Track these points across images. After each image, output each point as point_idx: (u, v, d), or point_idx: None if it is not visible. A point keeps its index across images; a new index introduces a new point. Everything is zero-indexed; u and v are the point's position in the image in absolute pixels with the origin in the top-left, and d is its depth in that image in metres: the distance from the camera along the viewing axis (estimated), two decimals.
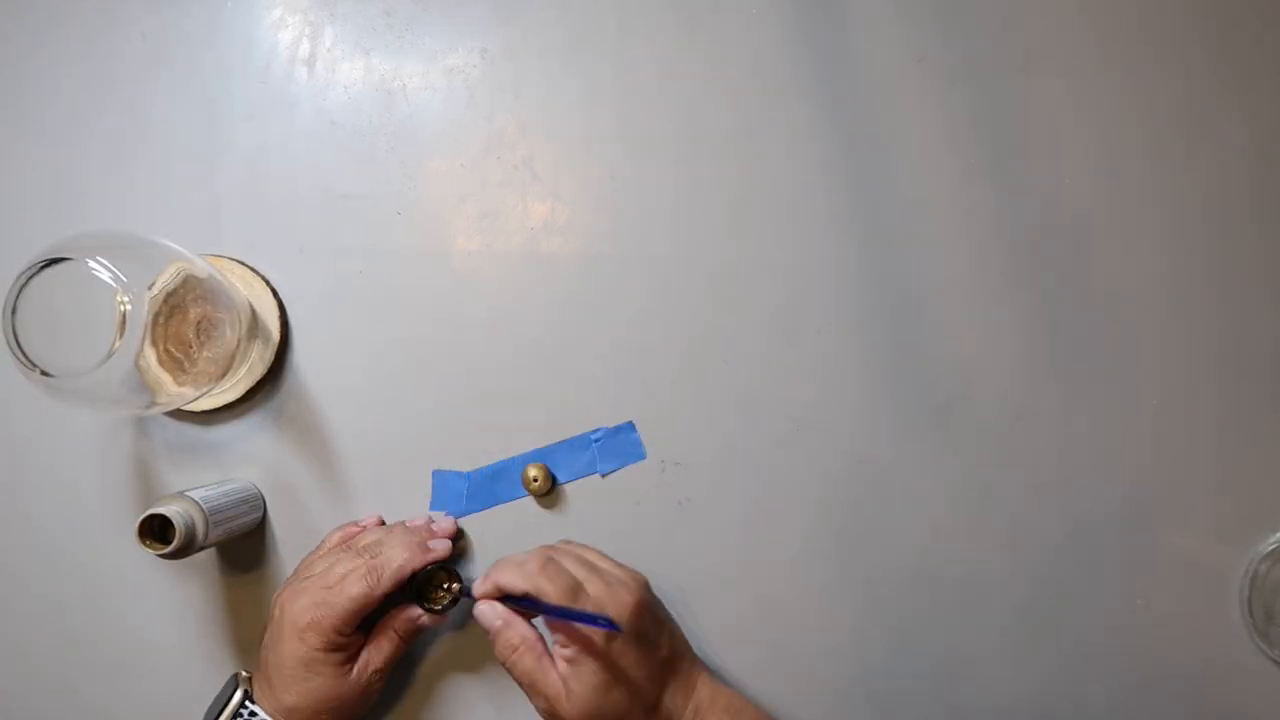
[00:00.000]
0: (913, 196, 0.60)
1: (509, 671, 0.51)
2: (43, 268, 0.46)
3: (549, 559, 0.51)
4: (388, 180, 0.62)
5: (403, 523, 0.59)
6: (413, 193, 0.62)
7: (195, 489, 0.55)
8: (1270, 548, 0.57)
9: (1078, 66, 0.60)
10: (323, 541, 0.58)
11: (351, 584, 0.52)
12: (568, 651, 0.49)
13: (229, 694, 0.54)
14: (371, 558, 0.53)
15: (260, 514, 0.61)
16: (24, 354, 0.46)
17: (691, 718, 0.50)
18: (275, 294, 0.61)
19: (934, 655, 0.59)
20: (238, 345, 0.54)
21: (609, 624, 0.47)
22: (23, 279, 0.46)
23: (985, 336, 0.60)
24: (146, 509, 0.51)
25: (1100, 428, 0.59)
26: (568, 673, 0.49)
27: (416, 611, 0.55)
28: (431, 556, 0.55)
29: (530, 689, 0.50)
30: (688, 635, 0.59)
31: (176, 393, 0.51)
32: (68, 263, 0.46)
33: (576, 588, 0.50)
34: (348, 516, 0.61)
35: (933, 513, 0.59)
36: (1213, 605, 0.58)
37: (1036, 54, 0.60)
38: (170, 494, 0.54)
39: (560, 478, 0.60)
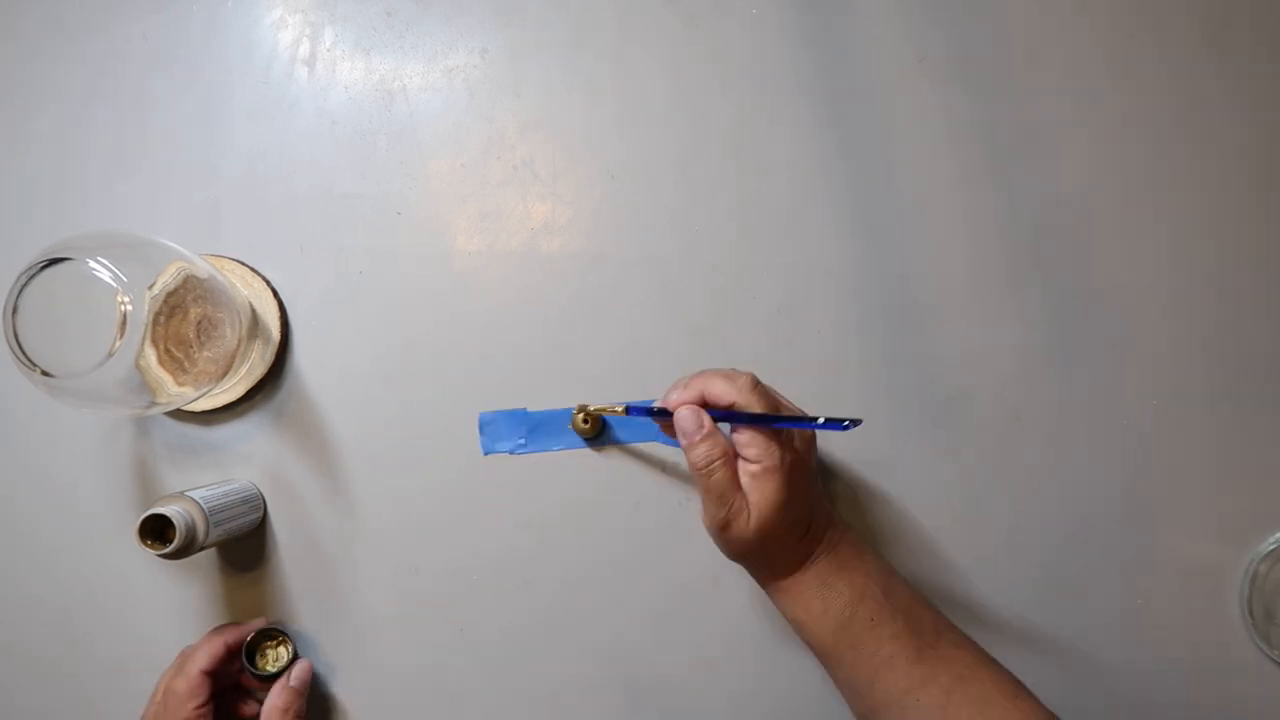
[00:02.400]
0: (913, 196, 0.60)
1: (700, 480, 0.50)
2: (43, 268, 0.46)
3: (757, 382, 0.51)
4: (388, 180, 0.62)
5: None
6: (413, 193, 0.62)
7: (195, 489, 0.55)
8: (1270, 548, 0.57)
9: (1078, 66, 0.60)
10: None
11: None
12: (754, 467, 0.49)
13: None
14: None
15: (260, 514, 0.61)
16: (24, 354, 0.46)
17: (828, 548, 0.51)
18: (275, 294, 0.61)
19: None
20: (238, 345, 0.54)
21: (851, 423, 0.48)
22: (23, 279, 0.46)
23: (985, 336, 0.60)
24: (146, 509, 0.51)
25: (1100, 428, 0.59)
26: (749, 486, 0.49)
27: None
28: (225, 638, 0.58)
29: (718, 500, 0.49)
30: (687, 634, 0.60)
31: (176, 393, 0.51)
32: (68, 263, 0.46)
33: (778, 408, 0.51)
34: (348, 516, 0.61)
35: (933, 513, 0.59)
36: (1213, 605, 0.58)
37: (1036, 54, 0.60)
38: (170, 494, 0.54)
39: (618, 432, 0.60)
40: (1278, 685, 0.58)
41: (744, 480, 0.49)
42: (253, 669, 0.57)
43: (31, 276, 0.46)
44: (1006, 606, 0.59)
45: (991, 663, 0.50)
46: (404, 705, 0.61)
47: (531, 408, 0.60)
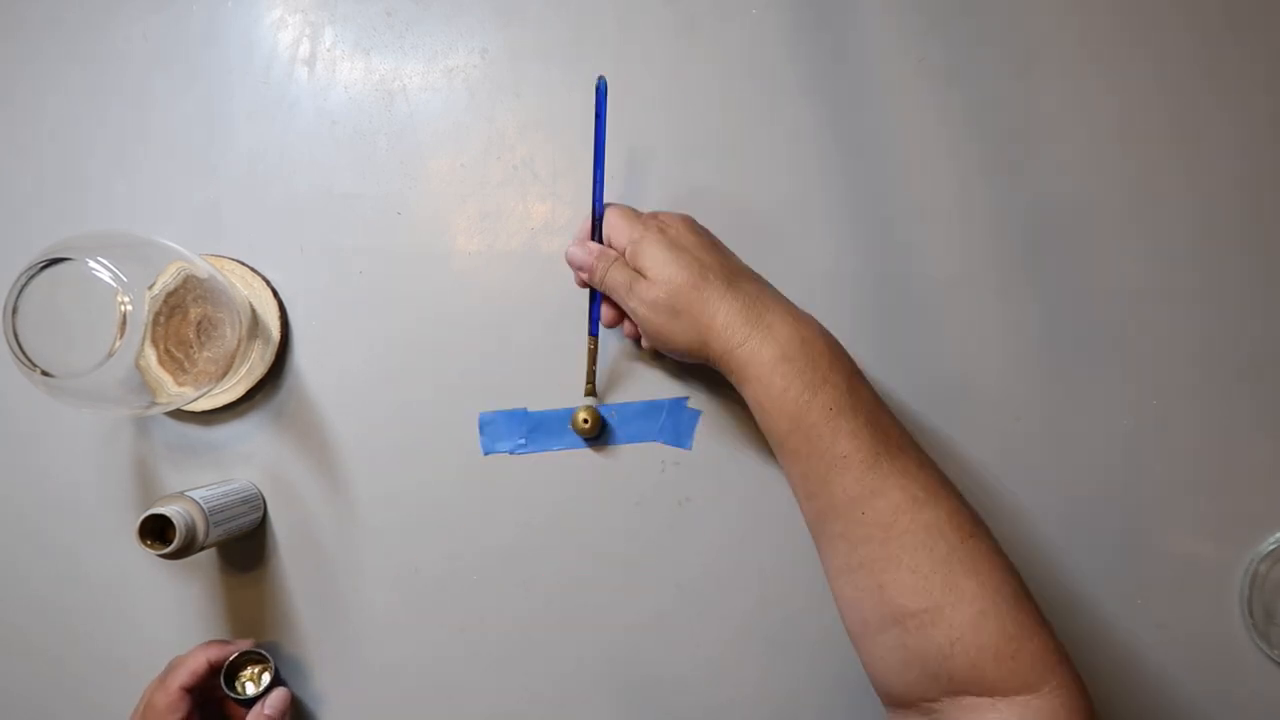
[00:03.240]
0: (912, 196, 0.60)
1: (607, 287, 0.54)
2: (43, 268, 0.46)
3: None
4: (388, 180, 0.62)
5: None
6: (413, 193, 0.62)
7: (195, 489, 0.55)
8: (1270, 548, 0.57)
9: (1078, 67, 0.60)
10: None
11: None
12: (632, 247, 0.52)
13: None
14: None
15: (260, 514, 0.61)
16: (24, 354, 0.46)
17: (786, 319, 0.49)
18: (275, 294, 0.61)
19: None
20: (238, 345, 0.54)
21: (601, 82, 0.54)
22: (23, 279, 0.46)
23: (984, 336, 0.60)
24: (146, 509, 0.51)
25: (1100, 427, 0.59)
26: (634, 259, 0.52)
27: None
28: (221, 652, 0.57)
29: (627, 290, 0.52)
30: (688, 634, 0.59)
31: (176, 393, 0.51)
32: (68, 263, 0.46)
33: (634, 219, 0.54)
34: (348, 516, 0.61)
35: None
36: (1213, 605, 0.58)
37: (1036, 54, 0.60)
38: (170, 494, 0.54)
39: (620, 432, 0.61)
40: (1278, 685, 0.58)
41: (632, 264, 0.53)
42: (229, 691, 0.57)
43: (31, 276, 0.46)
44: None
45: (953, 493, 0.47)
46: (404, 705, 0.61)
47: (531, 408, 0.60)
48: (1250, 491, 0.59)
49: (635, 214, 0.55)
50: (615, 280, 0.53)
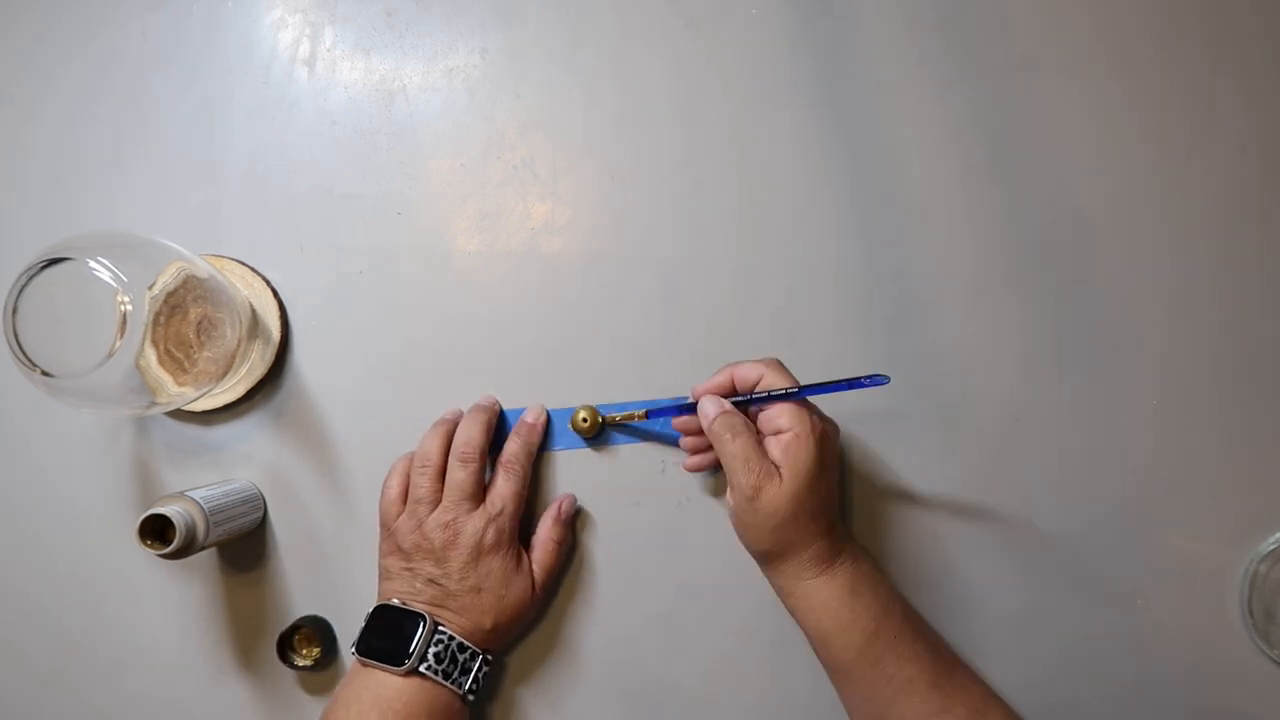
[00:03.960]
0: (913, 197, 0.60)
1: (724, 451, 0.50)
2: (43, 268, 0.46)
3: (782, 365, 0.53)
4: (388, 180, 0.62)
5: (447, 419, 0.59)
6: (413, 193, 0.62)
7: (195, 489, 0.55)
8: (1270, 548, 0.57)
9: (1078, 66, 0.60)
10: (387, 489, 0.58)
11: (507, 485, 0.56)
12: (787, 435, 0.49)
13: (412, 625, 0.53)
14: (472, 460, 0.56)
15: (260, 514, 0.61)
16: (24, 354, 0.46)
17: (853, 558, 0.51)
18: (275, 294, 0.61)
19: None
20: (238, 345, 0.54)
21: (882, 379, 0.49)
22: (23, 279, 0.46)
23: (985, 336, 0.60)
24: (146, 509, 0.51)
25: (1100, 428, 0.59)
26: (782, 457, 0.49)
27: (550, 526, 0.58)
28: (529, 424, 0.59)
29: (744, 465, 0.49)
30: (688, 634, 0.59)
31: (176, 393, 0.51)
32: (68, 263, 0.46)
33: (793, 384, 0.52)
34: (348, 516, 0.61)
35: (933, 513, 0.59)
36: (1213, 605, 0.58)
37: (1036, 54, 0.60)
38: (170, 494, 0.54)
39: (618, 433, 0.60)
40: (1278, 685, 0.58)
41: (776, 452, 0.49)
42: (282, 658, 0.59)
43: (31, 276, 0.46)
44: (1006, 606, 0.59)
45: (1002, 702, 0.52)
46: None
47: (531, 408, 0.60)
48: (1250, 491, 0.59)
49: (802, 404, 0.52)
50: (740, 449, 0.49)
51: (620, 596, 0.60)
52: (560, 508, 0.59)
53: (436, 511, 0.55)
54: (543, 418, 0.60)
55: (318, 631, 0.59)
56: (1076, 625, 0.59)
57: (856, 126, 0.60)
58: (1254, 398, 0.59)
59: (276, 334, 0.60)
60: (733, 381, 0.53)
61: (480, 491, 0.56)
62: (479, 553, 0.54)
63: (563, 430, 0.60)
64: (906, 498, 0.59)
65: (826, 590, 0.50)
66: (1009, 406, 0.59)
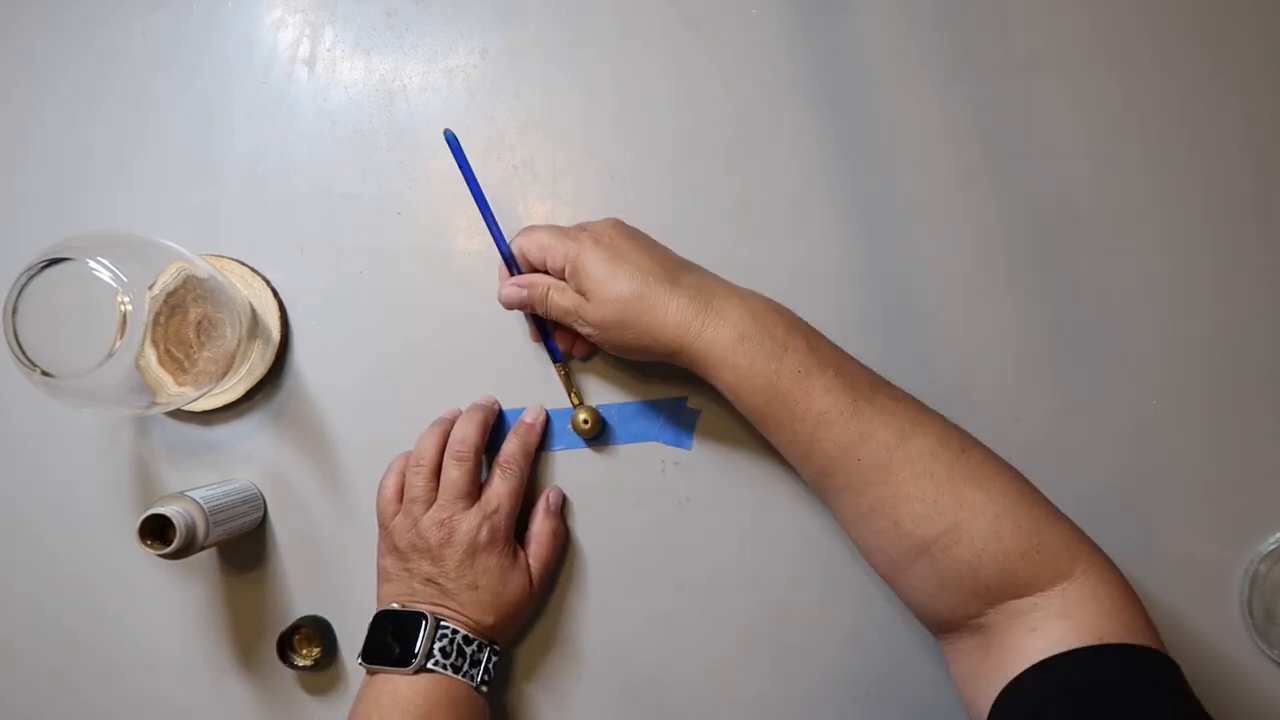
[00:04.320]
0: (913, 196, 0.60)
1: (553, 317, 0.54)
2: (43, 268, 0.46)
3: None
4: (388, 180, 0.62)
5: (445, 418, 0.60)
6: (413, 193, 0.62)
7: (195, 489, 0.55)
8: (1270, 548, 0.57)
9: (1078, 66, 0.60)
10: (383, 488, 0.58)
11: (502, 484, 0.56)
12: (567, 269, 0.52)
13: (414, 625, 0.53)
14: (466, 459, 0.56)
15: (260, 514, 0.61)
16: (24, 354, 0.46)
17: (731, 300, 0.51)
18: (275, 294, 0.61)
19: (934, 655, 0.59)
20: (238, 345, 0.54)
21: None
22: (23, 279, 0.46)
23: (985, 336, 0.60)
24: (146, 509, 0.51)
25: (1099, 427, 0.59)
26: (575, 282, 0.52)
27: (545, 515, 0.59)
28: (528, 424, 0.60)
29: (573, 315, 0.52)
30: (688, 634, 0.59)
31: (176, 393, 0.51)
32: (68, 263, 0.46)
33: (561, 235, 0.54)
34: (348, 516, 0.61)
35: None
36: (1213, 605, 0.58)
37: (1036, 54, 0.60)
38: (170, 494, 0.54)
39: (619, 431, 0.60)
40: (1278, 685, 0.58)
41: (573, 285, 0.53)
42: (282, 658, 0.59)
43: (31, 276, 0.46)
44: None
45: (934, 415, 0.49)
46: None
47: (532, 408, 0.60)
48: (1250, 491, 0.59)
49: (562, 231, 0.54)
50: (558, 307, 0.53)
51: (621, 595, 0.60)
52: (549, 500, 0.59)
53: (431, 510, 0.55)
54: (541, 418, 0.60)
55: (318, 631, 0.59)
56: None
57: (856, 126, 0.60)
58: (1254, 397, 0.59)
59: (276, 334, 0.60)
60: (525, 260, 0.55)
61: (475, 490, 0.56)
62: (474, 550, 0.54)
63: (563, 430, 0.60)
64: None
65: (716, 345, 0.49)
66: (1009, 406, 0.59)
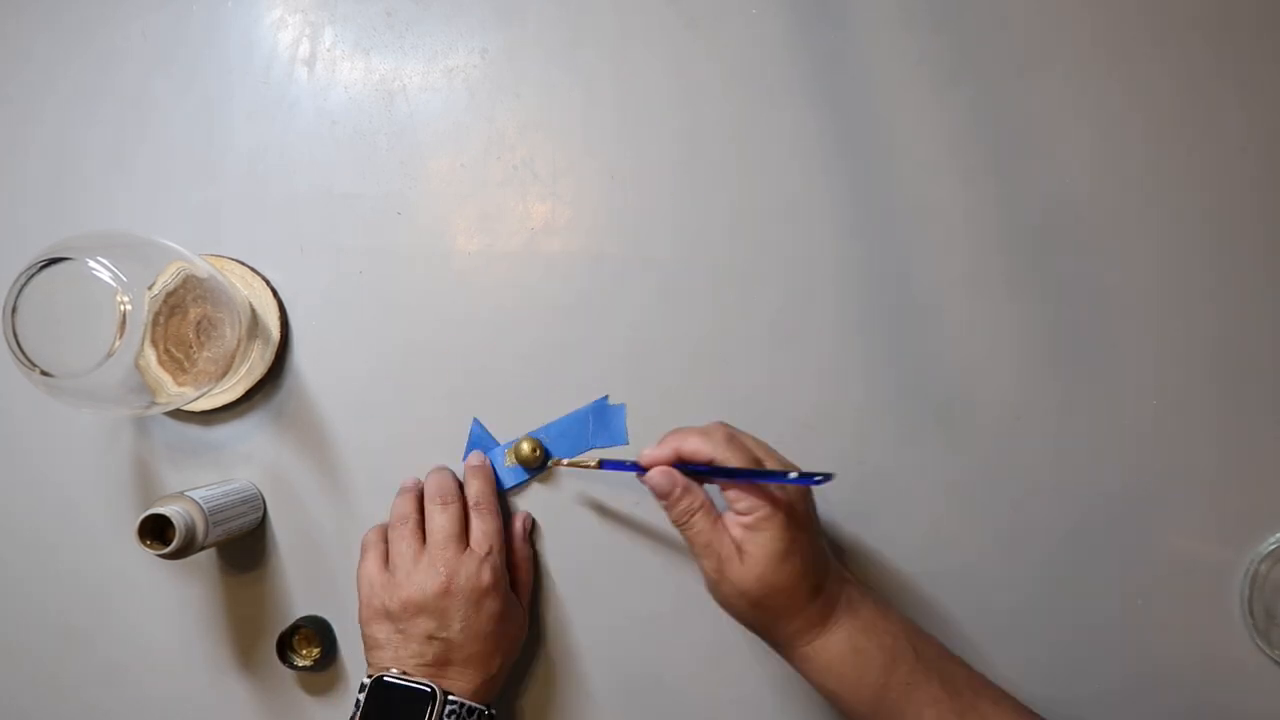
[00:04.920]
0: (913, 197, 0.60)
1: (686, 534, 0.50)
2: (43, 267, 0.46)
3: (732, 434, 0.50)
4: (388, 180, 0.62)
5: (409, 485, 0.59)
6: (413, 193, 0.62)
7: (195, 489, 0.55)
8: (1270, 548, 0.57)
9: (1077, 66, 0.60)
10: (364, 565, 0.56)
11: (485, 525, 0.56)
12: (746, 519, 0.48)
13: (419, 705, 0.50)
14: (451, 502, 0.56)
15: (260, 514, 0.61)
16: (24, 354, 0.46)
17: (849, 610, 0.50)
18: (275, 294, 0.61)
19: None
20: (238, 345, 0.54)
21: (823, 478, 0.46)
22: (23, 279, 0.46)
23: (985, 337, 0.60)
24: (146, 509, 0.51)
25: (1100, 428, 0.59)
26: (744, 538, 0.48)
27: (519, 531, 0.59)
28: (477, 466, 0.59)
29: (704, 550, 0.49)
30: (688, 634, 0.59)
31: (176, 393, 0.51)
32: (68, 263, 0.46)
33: (756, 459, 0.50)
34: (348, 516, 0.61)
35: (933, 513, 0.59)
36: (1213, 605, 0.58)
37: (1036, 54, 0.60)
38: (170, 494, 0.54)
39: (556, 453, 0.60)
40: (1278, 685, 0.58)
41: (738, 534, 0.48)
42: (282, 658, 0.59)
43: (31, 276, 0.46)
44: (1006, 606, 0.59)
45: (1031, 715, 0.50)
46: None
47: (532, 408, 0.60)
48: (1250, 491, 0.58)
49: (759, 462, 0.50)
50: (700, 535, 0.49)
51: (619, 597, 0.60)
52: (523, 526, 0.59)
53: (424, 560, 0.54)
54: (486, 459, 0.60)
55: (318, 631, 0.59)
56: (1076, 624, 0.59)
57: (856, 126, 0.60)
58: (1254, 397, 0.59)
59: (276, 334, 0.60)
60: (678, 454, 0.50)
61: (464, 533, 0.56)
62: (479, 595, 0.53)
63: (504, 471, 0.60)
64: (907, 497, 0.59)
65: (826, 653, 0.49)
66: (1009, 406, 0.59)
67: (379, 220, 0.62)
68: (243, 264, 0.61)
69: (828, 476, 0.46)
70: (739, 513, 0.48)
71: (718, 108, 0.61)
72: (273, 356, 0.60)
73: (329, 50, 0.63)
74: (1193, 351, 0.59)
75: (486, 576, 0.54)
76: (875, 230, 0.60)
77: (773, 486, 0.48)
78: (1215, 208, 0.59)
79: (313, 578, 0.61)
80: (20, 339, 0.46)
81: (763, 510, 0.47)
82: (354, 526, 0.61)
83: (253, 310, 0.59)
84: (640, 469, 0.51)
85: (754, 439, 0.52)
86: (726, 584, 0.48)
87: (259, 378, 0.60)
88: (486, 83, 0.62)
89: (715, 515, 0.49)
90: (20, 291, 0.46)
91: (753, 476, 0.48)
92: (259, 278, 0.61)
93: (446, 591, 0.53)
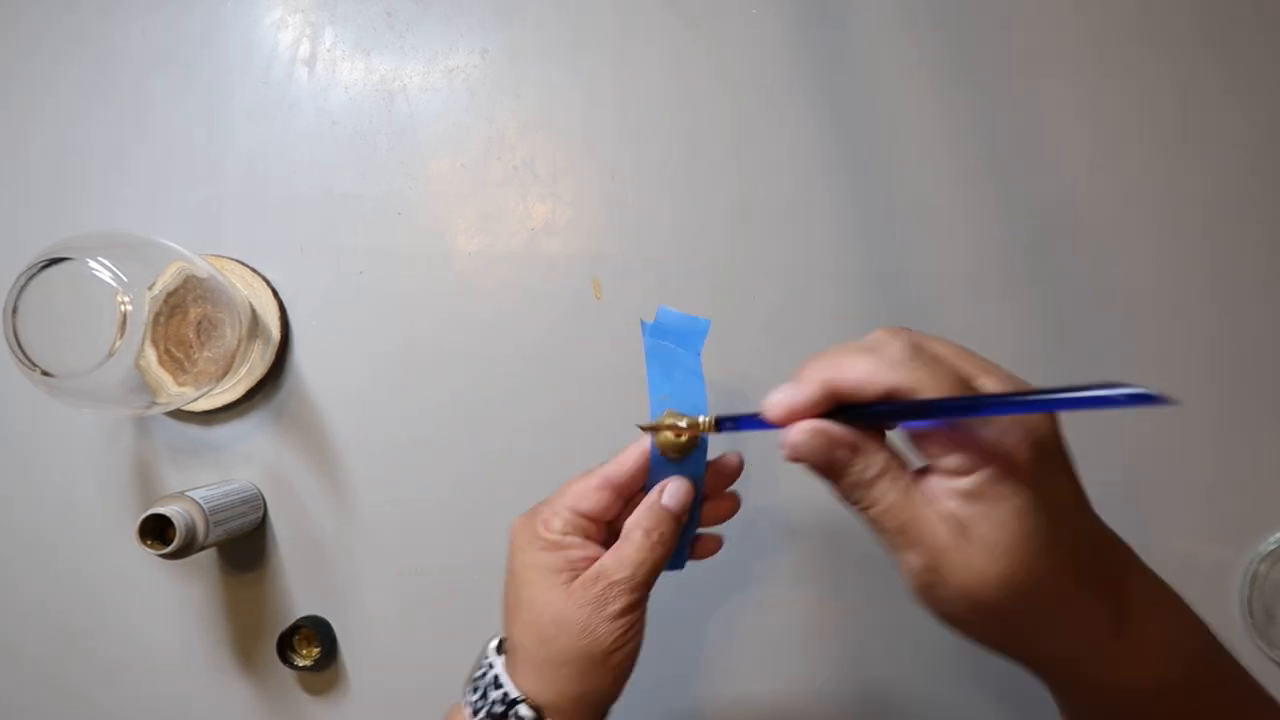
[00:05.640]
0: (913, 197, 0.60)
1: (864, 516, 0.32)
2: (43, 268, 0.46)
3: (919, 344, 0.32)
4: (388, 180, 0.62)
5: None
6: (413, 193, 0.62)
7: (195, 489, 0.55)
8: (1270, 548, 0.57)
9: (1077, 67, 0.60)
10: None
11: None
12: (964, 482, 0.30)
13: None
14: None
15: (260, 514, 0.61)
16: (24, 354, 0.46)
17: (1146, 596, 0.32)
18: (275, 294, 0.61)
19: (934, 654, 0.59)
20: (238, 345, 0.54)
21: (1143, 397, 0.25)
22: (23, 279, 0.46)
23: (985, 336, 0.60)
24: (146, 509, 0.51)
25: (1100, 428, 0.59)
26: (967, 512, 0.30)
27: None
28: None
29: (899, 537, 0.31)
30: (687, 633, 0.59)
31: (176, 393, 0.51)
32: (68, 263, 0.46)
33: (970, 381, 0.31)
34: (348, 516, 0.61)
35: None
36: (1213, 605, 0.58)
37: (1035, 55, 0.60)
38: (170, 494, 0.54)
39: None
40: (1278, 685, 0.58)
41: (954, 506, 0.30)
42: (282, 658, 0.59)
43: (31, 276, 0.46)
44: None
45: None
46: (404, 706, 0.61)
47: (532, 408, 0.60)
48: (1250, 491, 0.59)
49: (967, 380, 0.31)
50: (887, 516, 0.31)
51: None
52: (663, 491, 0.43)
53: None
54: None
55: (318, 631, 0.59)
56: None
57: (856, 126, 0.60)
58: (1254, 397, 0.59)
59: (276, 334, 0.60)
60: (833, 389, 0.32)
61: None
62: None
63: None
64: None
65: (1120, 686, 0.32)
66: None
67: (379, 220, 0.62)
68: (243, 264, 0.61)
69: (1154, 397, 0.25)
70: (949, 473, 0.30)
71: (718, 108, 0.61)
72: (273, 356, 0.60)
73: (329, 50, 0.63)
74: (1192, 351, 0.59)
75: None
76: (875, 230, 0.60)
77: (1005, 421, 0.29)
78: (1214, 208, 0.59)
79: (313, 578, 0.61)
80: (21, 339, 0.46)
81: (991, 467, 0.29)
82: (354, 526, 0.61)
83: (253, 310, 0.59)
84: (769, 425, 0.33)
85: (953, 346, 0.34)
86: (946, 586, 0.31)
87: (259, 378, 0.60)
88: (487, 83, 0.62)
89: (910, 481, 0.31)
90: (21, 292, 0.46)
91: (971, 409, 0.30)
92: (259, 278, 0.61)
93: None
